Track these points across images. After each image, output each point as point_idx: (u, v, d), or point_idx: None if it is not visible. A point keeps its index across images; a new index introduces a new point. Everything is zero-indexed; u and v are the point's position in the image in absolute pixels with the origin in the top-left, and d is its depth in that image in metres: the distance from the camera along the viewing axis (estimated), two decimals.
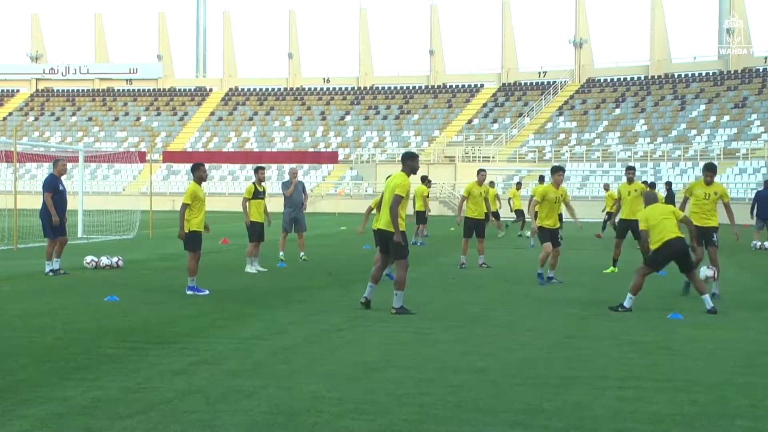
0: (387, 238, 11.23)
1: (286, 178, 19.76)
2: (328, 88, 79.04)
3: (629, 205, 16.95)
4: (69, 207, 16.25)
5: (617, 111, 66.85)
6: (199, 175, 13.48)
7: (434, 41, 77.93)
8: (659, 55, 70.49)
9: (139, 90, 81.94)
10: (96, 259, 16.96)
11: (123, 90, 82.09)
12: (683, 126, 62.15)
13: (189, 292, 12.91)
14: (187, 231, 13.16)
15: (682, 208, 13.57)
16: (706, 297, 11.53)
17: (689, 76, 68.31)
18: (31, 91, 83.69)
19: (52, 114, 79.96)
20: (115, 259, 17.11)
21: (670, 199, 27.78)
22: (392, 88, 77.55)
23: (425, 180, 27.67)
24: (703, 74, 67.70)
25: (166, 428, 5.84)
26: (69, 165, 21.82)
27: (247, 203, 16.82)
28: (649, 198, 12.40)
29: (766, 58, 66.33)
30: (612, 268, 17.06)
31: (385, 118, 73.66)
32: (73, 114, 79.67)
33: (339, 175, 66.72)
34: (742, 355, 8.60)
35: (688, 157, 57.10)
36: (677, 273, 13.18)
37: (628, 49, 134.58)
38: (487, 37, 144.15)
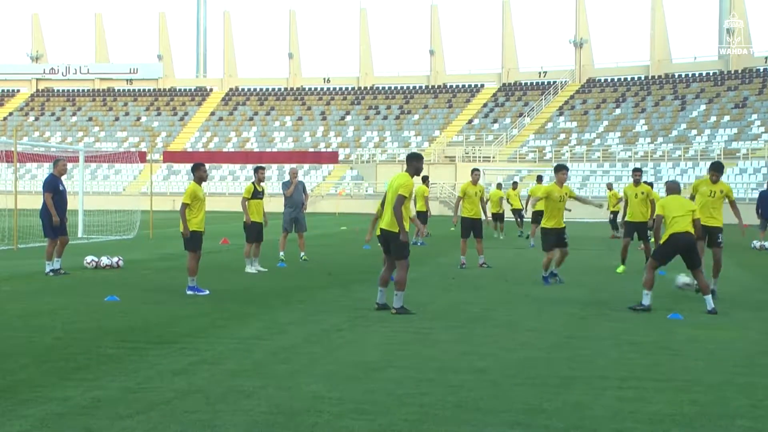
0: (389, 238, 11.22)
1: (287, 178, 19.75)
2: (328, 88, 79.06)
3: (636, 207, 16.78)
4: (69, 207, 16.24)
5: (617, 111, 66.85)
6: (199, 175, 13.48)
7: (434, 41, 77.94)
8: (659, 55, 70.50)
9: (139, 90, 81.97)
10: (96, 259, 16.96)
11: (123, 90, 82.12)
12: (683, 126, 62.16)
13: (189, 292, 12.91)
14: None
15: None
16: (708, 297, 11.52)
17: (689, 76, 68.33)
18: (31, 91, 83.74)
19: (53, 114, 79.98)
20: (115, 259, 17.11)
21: None
22: (392, 88, 77.57)
23: (425, 180, 27.65)
24: (704, 74, 67.71)
25: (166, 428, 5.83)
26: (69, 165, 21.83)
27: (247, 203, 16.82)
28: (672, 188, 12.14)
29: (766, 58, 66.34)
30: (622, 266, 17.03)
31: (385, 118, 73.67)
32: (74, 114, 79.69)
33: (339, 175, 66.74)
34: (742, 355, 8.60)
35: (688, 157, 57.11)
36: (677, 273, 13.20)
37: (628, 49, 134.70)
38: (488, 37, 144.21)
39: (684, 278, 12.77)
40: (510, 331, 9.82)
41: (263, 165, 20.77)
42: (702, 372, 7.72)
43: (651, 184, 23.46)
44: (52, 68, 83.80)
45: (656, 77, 69.52)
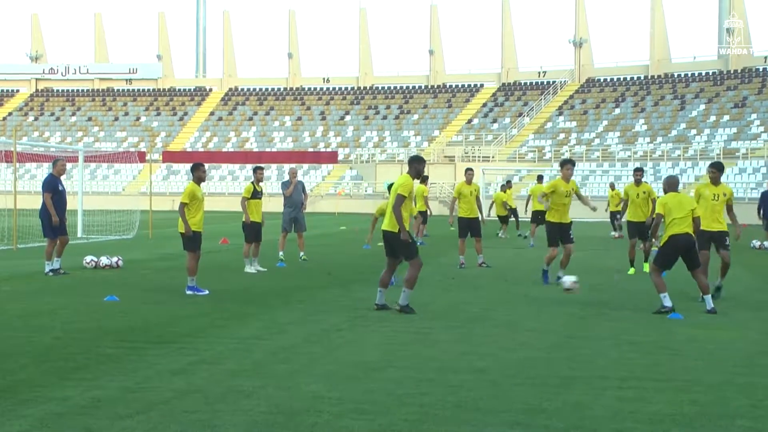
0: (390, 239, 11.22)
1: (286, 178, 19.75)
2: (327, 88, 79.06)
3: (638, 207, 16.72)
4: (69, 207, 16.24)
5: (617, 111, 66.86)
6: (198, 175, 13.48)
7: (434, 41, 77.94)
8: (659, 54, 70.51)
9: (138, 90, 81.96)
10: (96, 259, 16.96)
11: (123, 90, 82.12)
12: (683, 126, 62.17)
13: (189, 292, 12.91)
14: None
15: None
16: (708, 297, 11.52)
17: (689, 75, 68.35)
18: (30, 91, 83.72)
19: (52, 114, 79.97)
20: (114, 259, 17.11)
21: None
22: (392, 88, 77.57)
23: (425, 179, 27.65)
24: (703, 74, 67.73)
25: (166, 428, 5.83)
26: (69, 165, 21.83)
27: (246, 203, 16.81)
28: (671, 184, 11.85)
29: (765, 57, 66.37)
30: (633, 268, 16.95)
31: (384, 118, 73.67)
32: (73, 114, 79.69)
33: (339, 175, 66.74)
34: (742, 355, 8.60)
35: (687, 156, 57.12)
36: (677, 273, 13.18)
37: (628, 48, 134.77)
38: (487, 37, 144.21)
39: (570, 278, 12.46)
40: (510, 331, 9.81)
41: (262, 165, 20.80)
42: (702, 372, 7.72)
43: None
44: (51, 68, 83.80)
45: (656, 77, 69.54)
